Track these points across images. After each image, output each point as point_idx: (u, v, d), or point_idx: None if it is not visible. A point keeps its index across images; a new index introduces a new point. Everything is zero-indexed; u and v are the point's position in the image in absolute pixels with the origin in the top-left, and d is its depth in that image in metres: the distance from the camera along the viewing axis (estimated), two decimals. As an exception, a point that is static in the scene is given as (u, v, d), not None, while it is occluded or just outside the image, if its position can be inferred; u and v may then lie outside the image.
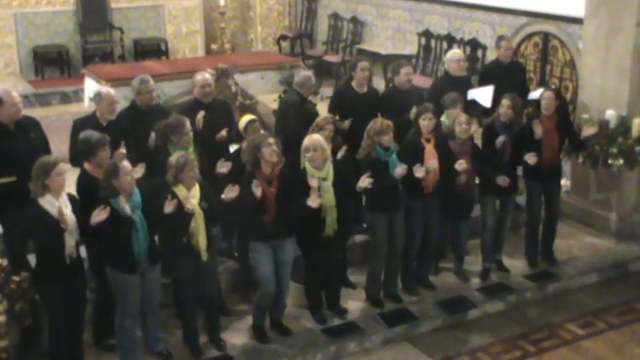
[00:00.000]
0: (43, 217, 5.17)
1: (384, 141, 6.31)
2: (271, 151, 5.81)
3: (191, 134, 6.20)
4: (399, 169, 6.25)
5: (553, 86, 9.38)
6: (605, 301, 7.18)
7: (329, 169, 6.11)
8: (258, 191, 5.72)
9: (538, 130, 6.98)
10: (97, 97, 6.48)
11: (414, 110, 6.93)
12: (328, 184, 6.08)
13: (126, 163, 5.38)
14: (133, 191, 5.42)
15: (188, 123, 6.21)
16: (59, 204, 5.20)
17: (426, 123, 6.60)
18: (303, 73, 7.60)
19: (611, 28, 7.89)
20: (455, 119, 6.76)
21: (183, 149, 6.04)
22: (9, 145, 6.00)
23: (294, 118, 7.23)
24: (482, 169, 6.92)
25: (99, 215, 5.18)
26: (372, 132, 6.33)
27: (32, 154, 5.63)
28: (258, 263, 6.02)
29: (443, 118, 7.02)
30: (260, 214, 5.87)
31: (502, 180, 6.81)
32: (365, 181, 6.07)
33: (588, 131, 7.32)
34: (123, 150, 6.03)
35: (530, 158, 6.89)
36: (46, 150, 6.19)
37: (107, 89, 6.69)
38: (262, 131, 6.73)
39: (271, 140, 5.86)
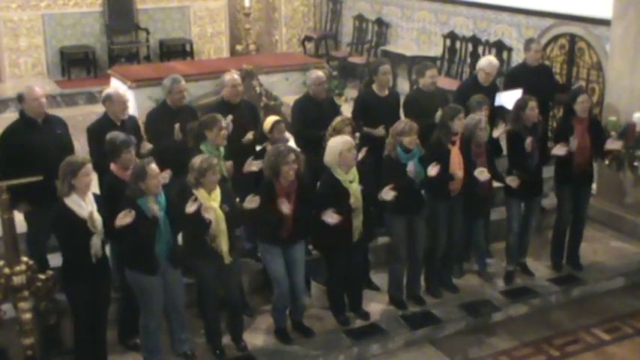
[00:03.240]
0: (69, 216, 5.21)
1: (405, 142, 6.28)
2: (289, 169, 5.79)
3: (225, 131, 6.23)
4: (433, 170, 6.20)
5: (577, 85, 9.32)
6: (632, 306, 7.11)
7: (355, 171, 6.10)
8: (285, 207, 5.73)
9: (574, 143, 6.88)
10: (108, 100, 6.52)
11: (439, 113, 6.90)
12: (356, 186, 6.07)
13: (153, 166, 5.40)
14: (160, 193, 5.46)
15: (223, 120, 6.25)
16: (90, 209, 5.24)
17: (460, 123, 6.58)
18: (310, 72, 7.54)
19: (639, 30, 7.80)
20: (476, 122, 6.71)
21: (214, 147, 6.06)
22: (36, 138, 6.11)
23: (296, 118, 7.28)
24: (496, 172, 6.91)
25: (125, 218, 5.21)
26: (395, 132, 6.32)
27: (58, 150, 5.71)
28: (270, 263, 6.05)
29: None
30: (277, 229, 5.89)
31: (511, 180, 6.76)
32: (389, 194, 6.01)
33: (612, 145, 7.20)
34: (148, 144, 6.09)
35: (559, 149, 6.84)
36: (71, 150, 6.27)
37: (116, 90, 6.76)
38: (287, 133, 6.73)
39: (291, 157, 5.80)
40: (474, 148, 6.72)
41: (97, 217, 5.25)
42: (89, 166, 5.31)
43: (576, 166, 7.06)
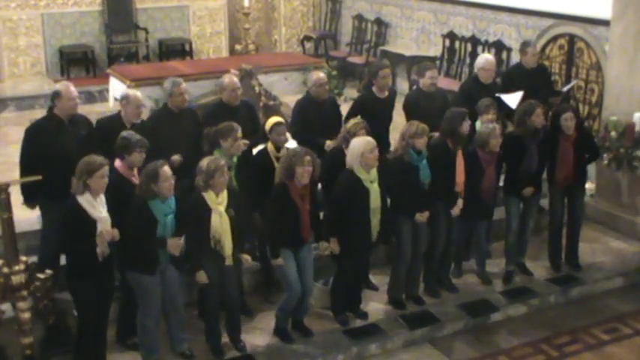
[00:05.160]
0: (80, 214, 5.23)
1: (418, 144, 6.30)
2: (303, 172, 5.79)
3: (240, 142, 6.20)
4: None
5: (575, 81, 9.30)
6: (631, 306, 7.11)
7: (375, 172, 6.12)
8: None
9: None
10: (125, 100, 6.53)
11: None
12: (376, 186, 6.11)
13: (166, 169, 5.41)
14: (171, 196, 5.47)
15: (240, 129, 6.21)
16: (103, 212, 5.28)
17: (467, 124, 6.60)
18: (311, 73, 7.59)
19: (639, 30, 7.80)
20: (490, 131, 6.71)
21: (228, 157, 6.04)
22: (61, 139, 6.12)
23: (295, 118, 7.31)
24: (513, 180, 7.04)
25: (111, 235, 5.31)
26: (407, 134, 6.32)
27: (81, 151, 5.64)
28: (283, 266, 6.01)
29: (478, 126, 7.00)
30: (295, 231, 5.92)
31: (528, 191, 6.97)
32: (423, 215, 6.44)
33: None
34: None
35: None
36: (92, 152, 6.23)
37: (134, 92, 6.73)
38: (288, 134, 6.72)
39: (307, 159, 5.81)
40: (484, 156, 6.72)
41: (107, 220, 5.28)
42: (106, 168, 5.31)
43: (560, 181, 7.13)
